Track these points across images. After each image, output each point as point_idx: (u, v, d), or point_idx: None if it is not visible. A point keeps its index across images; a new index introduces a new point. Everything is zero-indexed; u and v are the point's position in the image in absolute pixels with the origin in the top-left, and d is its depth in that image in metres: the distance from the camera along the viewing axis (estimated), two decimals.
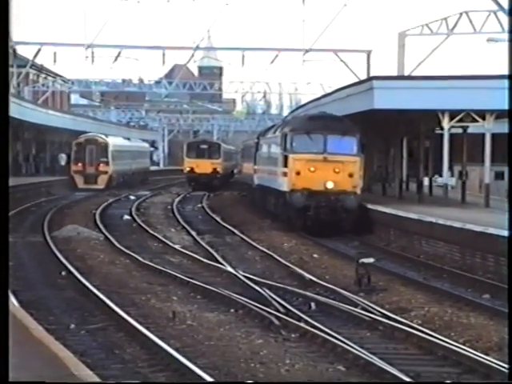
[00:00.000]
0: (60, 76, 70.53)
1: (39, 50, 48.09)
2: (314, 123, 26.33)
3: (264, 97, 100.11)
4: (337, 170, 25.54)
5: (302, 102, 60.33)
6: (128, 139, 64.28)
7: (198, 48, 50.17)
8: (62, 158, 60.06)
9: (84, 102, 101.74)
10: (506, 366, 10.08)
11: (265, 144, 32.49)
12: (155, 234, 25.56)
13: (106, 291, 15.10)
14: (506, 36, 31.77)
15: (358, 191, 25.88)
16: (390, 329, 12.37)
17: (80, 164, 51.75)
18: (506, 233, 18.60)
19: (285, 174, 26.37)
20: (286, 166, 26.27)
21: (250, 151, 40.14)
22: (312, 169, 25.65)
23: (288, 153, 26.26)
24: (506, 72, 27.93)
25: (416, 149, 34.95)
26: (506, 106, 26.80)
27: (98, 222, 28.81)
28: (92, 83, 70.94)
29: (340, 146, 25.80)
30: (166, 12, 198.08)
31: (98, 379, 8.09)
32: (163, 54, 48.11)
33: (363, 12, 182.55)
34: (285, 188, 26.30)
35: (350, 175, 25.58)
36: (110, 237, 24.34)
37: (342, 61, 45.21)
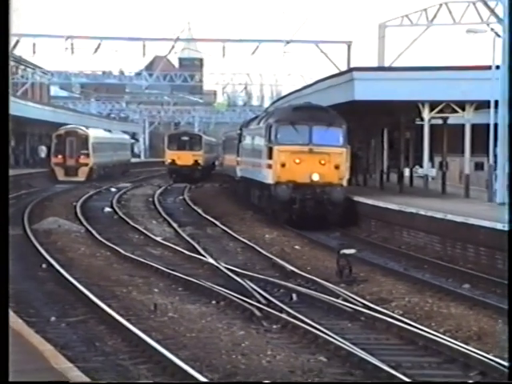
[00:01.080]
0: (39, 67, 70.07)
1: (18, 42, 47.72)
2: (299, 114, 25.85)
3: (245, 88, 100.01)
4: (323, 162, 25.11)
5: (283, 94, 60.32)
6: (109, 131, 63.99)
7: (178, 39, 50.03)
8: (42, 150, 59.75)
9: (64, 93, 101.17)
10: (485, 354, 10.16)
11: (248, 135, 31.96)
12: (136, 226, 25.48)
13: (86, 284, 15.04)
14: (485, 27, 31.86)
15: (345, 183, 25.47)
16: (371, 319, 12.41)
17: (60, 156, 51.48)
18: (485, 223, 18.71)
19: (269, 166, 25.88)
20: (270, 157, 25.78)
21: (232, 143, 39.55)
22: (297, 161, 25.19)
23: (273, 144, 25.78)
24: (485, 62, 28.06)
25: (397, 140, 35.06)
26: (485, 97, 26.96)
27: (79, 214, 28.69)
28: (72, 75, 70.46)
29: (326, 137, 25.34)
30: (146, 3, 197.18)
31: (78, 372, 8.06)
32: (143, 46, 47.93)
33: (343, 3, 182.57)
34: (269, 180, 25.83)
35: (337, 167, 25.14)
36: (90, 229, 24.24)
37: (322, 52, 45.23)
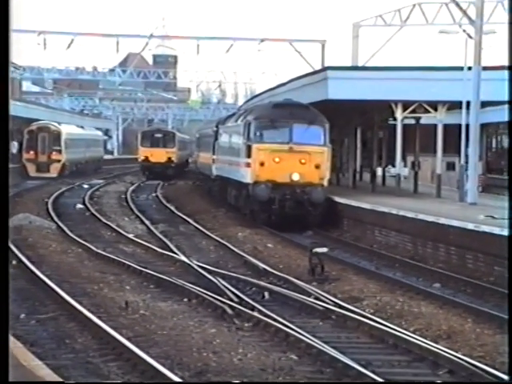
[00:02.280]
0: (11, 62, 69.35)
1: None
2: (279, 111, 25.00)
3: (219, 86, 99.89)
4: (303, 161, 24.38)
5: (257, 92, 60.34)
6: (81, 127, 63.62)
7: (152, 36, 49.84)
8: (14, 146, 59.16)
9: (36, 89, 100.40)
10: (453, 353, 10.23)
11: (225, 133, 31.03)
12: (108, 223, 25.37)
13: (57, 280, 14.95)
14: (457, 28, 32.11)
15: (326, 183, 24.81)
16: (342, 318, 12.46)
17: (32, 152, 51.12)
18: (456, 223, 18.87)
19: (248, 165, 25.04)
20: (249, 156, 24.95)
21: (207, 140, 38.54)
22: (277, 159, 24.45)
23: (251, 142, 24.96)
24: (458, 63, 28.29)
25: (370, 139, 35.25)
26: (457, 98, 27.18)
27: (51, 210, 28.51)
28: (44, 70, 69.98)
29: (306, 135, 24.60)
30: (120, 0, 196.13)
31: (48, 370, 8.00)
32: (117, 42, 47.68)
33: (318, 3, 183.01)
34: (248, 180, 25.01)
35: (317, 166, 24.43)
36: (62, 226, 24.09)
37: (296, 51, 45.31)
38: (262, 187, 24.33)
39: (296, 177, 24.37)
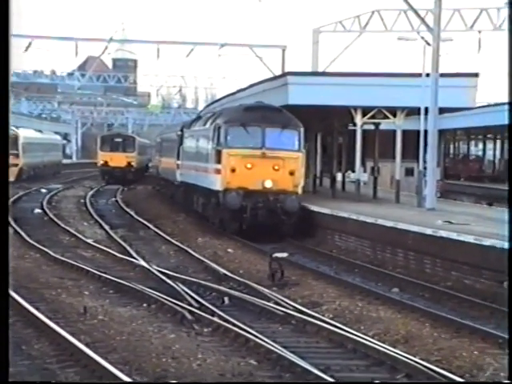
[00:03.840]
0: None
1: None
2: (251, 114, 23.71)
3: (179, 91, 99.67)
4: (276, 168, 23.15)
5: (218, 97, 60.33)
6: (39, 131, 62.99)
7: (111, 40, 49.54)
8: None
9: None
10: (411, 357, 10.32)
11: (191, 137, 29.67)
12: (67, 228, 25.14)
13: (14, 286, 14.72)
14: (415, 35, 32.48)
15: (300, 191, 23.55)
16: (301, 323, 12.49)
17: None
18: (414, 228, 19.05)
19: (217, 171, 23.76)
20: (218, 162, 23.67)
21: (170, 144, 36.73)
22: (249, 165, 23.21)
23: (221, 147, 23.65)
24: (416, 70, 28.59)
25: (330, 144, 35.42)
26: (415, 104, 27.47)
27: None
28: None
29: (280, 140, 23.37)
30: (79, 2, 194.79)
31: None
32: (76, 46, 47.30)
33: (278, 8, 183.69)
34: (217, 187, 23.69)
35: (291, 173, 23.16)
36: (19, 230, 23.80)
37: (257, 56, 45.40)
38: (232, 195, 23.07)
39: (269, 184, 23.15)
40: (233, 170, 23.32)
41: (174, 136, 35.13)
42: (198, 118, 31.84)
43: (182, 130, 32.28)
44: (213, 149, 24.37)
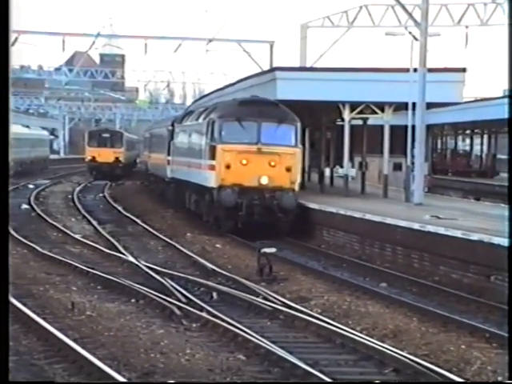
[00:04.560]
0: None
1: None
2: (246, 109, 22.90)
3: (167, 86, 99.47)
4: (273, 164, 22.43)
5: (206, 92, 60.26)
6: (27, 127, 62.74)
7: (99, 35, 49.36)
8: None
9: None
10: (399, 352, 10.35)
11: (183, 132, 28.72)
12: (55, 224, 25.06)
13: None
14: (403, 30, 32.53)
15: (297, 188, 22.93)
16: (290, 318, 12.51)
17: None
18: (402, 223, 19.10)
19: (212, 168, 23.01)
20: (213, 158, 22.91)
21: (160, 140, 35.85)
22: (244, 161, 22.46)
23: (216, 143, 22.86)
24: (404, 65, 28.65)
25: (318, 140, 35.45)
26: (403, 99, 27.53)
27: None
28: None
29: (276, 135, 22.62)
30: None
31: None
32: (63, 41, 47.12)
33: (266, 3, 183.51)
34: (212, 184, 22.96)
35: (288, 169, 22.45)
36: None
37: (245, 51, 45.36)
38: (227, 192, 22.33)
39: (265, 180, 22.44)
40: (227, 167, 22.59)
41: (164, 131, 34.34)
42: (190, 112, 30.98)
43: (172, 125, 31.56)
44: (206, 144, 23.64)
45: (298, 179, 23.28)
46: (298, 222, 24.59)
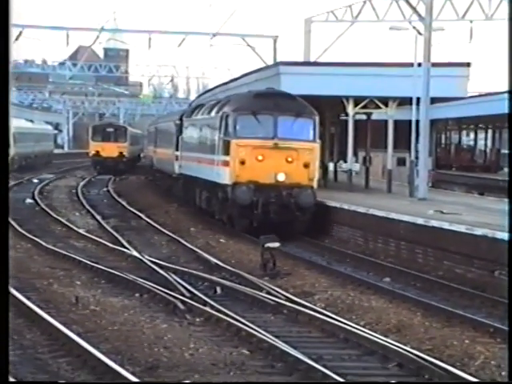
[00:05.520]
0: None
1: None
2: (262, 102, 21.82)
3: (171, 81, 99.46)
4: (290, 160, 21.38)
5: (210, 87, 60.23)
6: (31, 121, 62.82)
7: (103, 30, 49.34)
8: None
9: None
10: (403, 346, 10.36)
11: (193, 126, 27.60)
12: (59, 218, 25.10)
13: None
14: (407, 25, 32.46)
15: (315, 185, 21.87)
16: (293, 312, 12.52)
17: None
18: (406, 217, 19.09)
19: (225, 164, 21.90)
20: (227, 153, 21.81)
21: (166, 134, 34.65)
22: (260, 157, 21.41)
23: (230, 137, 21.73)
24: (408, 60, 28.60)
25: (322, 134, 35.37)
26: (407, 94, 27.50)
27: None
28: None
29: (294, 129, 21.62)
30: None
31: None
32: (67, 35, 47.10)
33: None
34: (226, 180, 21.85)
35: (306, 165, 21.43)
36: (11, 221, 23.72)
37: (249, 46, 45.31)
38: (242, 189, 21.24)
39: (282, 177, 21.37)
40: (242, 162, 21.50)
41: (171, 125, 33.09)
42: (200, 105, 29.49)
43: (181, 119, 30.35)
44: (220, 139, 22.47)
45: (317, 176, 22.24)
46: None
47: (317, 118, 21.99)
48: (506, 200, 27.64)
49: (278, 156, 21.48)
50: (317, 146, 22.07)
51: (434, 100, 26.23)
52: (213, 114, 24.24)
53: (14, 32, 46.21)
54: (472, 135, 74.15)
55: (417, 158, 27.13)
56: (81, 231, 22.27)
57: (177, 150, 30.42)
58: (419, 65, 25.93)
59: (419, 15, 25.58)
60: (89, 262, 16.65)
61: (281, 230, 20.12)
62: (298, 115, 21.75)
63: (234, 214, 21.90)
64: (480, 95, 55.84)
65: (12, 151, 51.12)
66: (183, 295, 13.36)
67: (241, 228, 21.78)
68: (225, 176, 22.03)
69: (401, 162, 37.70)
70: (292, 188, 21.38)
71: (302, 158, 21.55)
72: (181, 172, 29.62)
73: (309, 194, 21.41)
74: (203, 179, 24.75)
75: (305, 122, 21.81)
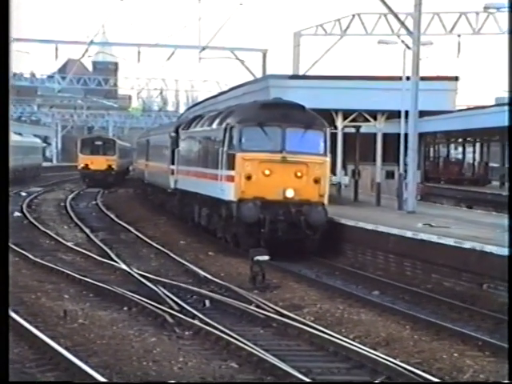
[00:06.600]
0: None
1: None
2: (269, 113, 20.45)
3: (160, 94, 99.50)
4: (299, 174, 20.09)
5: (199, 100, 60.33)
6: (19, 134, 62.68)
7: (92, 43, 49.35)
8: None
9: None
10: (392, 360, 10.35)
11: (190, 139, 26.35)
12: (47, 231, 25.01)
13: None
14: (395, 38, 32.63)
15: (326, 201, 20.48)
16: (283, 326, 12.50)
17: None
18: (394, 230, 19.12)
19: (230, 179, 20.51)
20: (231, 167, 20.43)
21: (160, 147, 33.36)
22: (267, 172, 20.10)
23: (235, 151, 20.35)
24: (396, 73, 28.74)
25: None
26: (396, 107, 27.62)
27: None
28: None
29: (303, 142, 20.28)
30: (59, 5, 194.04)
31: None
32: (56, 48, 47.10)
33: (259, 11, 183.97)
34: (230, 197, 20.40)
35: (316, 181, 20.14)
36: None
37: (238, 59, 45.41)
38: (249, 206, 19.83)
39: (290, 193, 20.03)
40: (248, 177, 20.12)
41: (165, 138, 31.61)
42: (198, 117, 28.01)
43: (176, 132, 28.99)
44: (224, 153, 21.01)
45: (327, 191, 20.74)
46: None
47: (328, 130, 20.78)
48: (494, 213, 27.75)
49: (287, 170, 20.19)
50: (328, 159, 20.73)
51: (422, 113, 26.34)
52: (214, 125, 23.02)
53: None
54: (460, 148, 74.47)
55: (405, 171, 27.21)
56: (69, 244, 22.20)
57: (172, 163, 29.04)
58: (408, 78, 26.06)
59: (407, 29, 25.73)
60: (77, 276, 16.59)
61: (290, 249, 19.33)
62: (308, 127, 20.42)
63: (239, 233, 20.45)
64: (468, 109, 56.15)
65: None
66: (172, 308, 13.32)
67: (246, 248, 19.19)
68: (229, 192, 20.60)
69: (389, 175, 37.80)
70: (301, 205, 20.02)
71: (312, 173, 20.24)
72: (177, 187, 28.23)
73: (319, 211, 20.06)
74: (204, 195, 23.36)
75: (315, 134, 20.47)
